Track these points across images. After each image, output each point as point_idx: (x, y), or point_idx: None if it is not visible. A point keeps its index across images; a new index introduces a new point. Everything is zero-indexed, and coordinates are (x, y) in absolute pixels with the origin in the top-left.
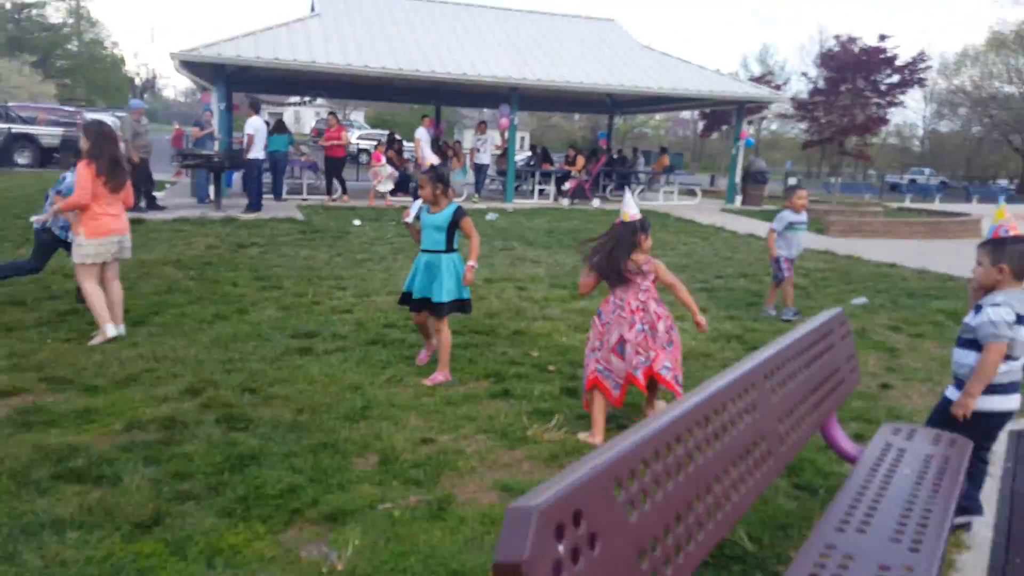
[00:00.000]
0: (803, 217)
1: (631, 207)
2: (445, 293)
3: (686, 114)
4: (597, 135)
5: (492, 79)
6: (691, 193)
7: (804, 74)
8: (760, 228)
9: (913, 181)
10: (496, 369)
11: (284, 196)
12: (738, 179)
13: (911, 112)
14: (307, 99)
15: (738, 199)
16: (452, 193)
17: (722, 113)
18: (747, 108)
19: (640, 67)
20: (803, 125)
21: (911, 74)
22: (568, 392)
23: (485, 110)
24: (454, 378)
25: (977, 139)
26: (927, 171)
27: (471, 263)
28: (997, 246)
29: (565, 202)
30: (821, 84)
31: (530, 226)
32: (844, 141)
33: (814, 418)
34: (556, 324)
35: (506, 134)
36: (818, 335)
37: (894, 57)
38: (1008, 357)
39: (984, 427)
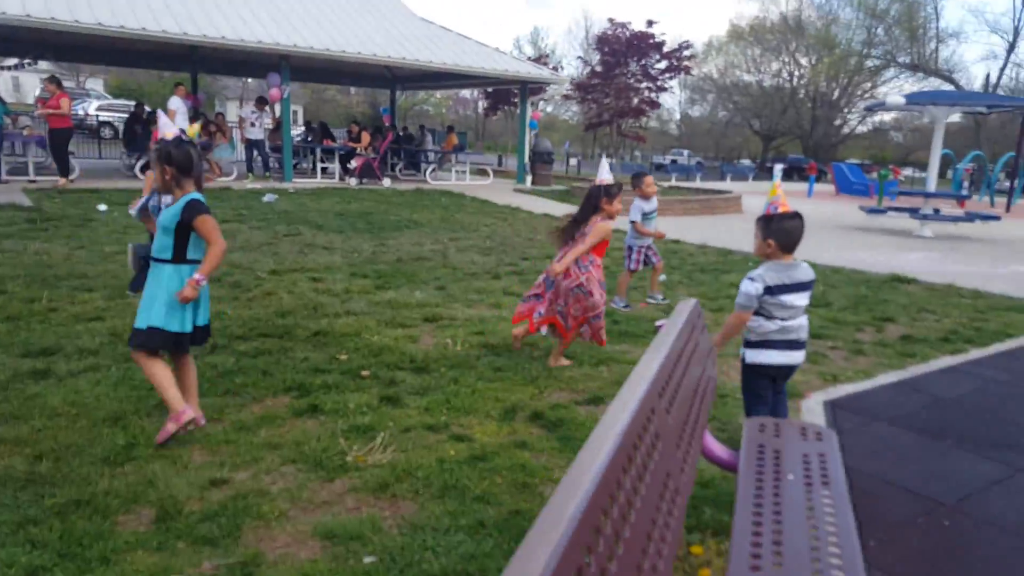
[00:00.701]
0: (654, 204)
1: (604, 172)
2: (143, 318)
3: (466, 93)
4: (380, 111)
5: (258, 45)
6: (483, 173)
7: (581, 57)
8: (555, 208)
9: (674, 162)
10: (298, 380)
11: (3, 177)
12: (526, 159)
13: (668, 97)
14: (27, 62)
15: (528, 179)
16: (218, 171)
17: (505, 92)
18: (529, 89)
19: (421, 41)
20: (581, 107)
21: (678, 61)
22: (389, 401)
23: (250, 80)
24: (247, 395)
25: (723, 123)
26: (685, 152)
27: (197, 276)
28: (767, 222)
29: (352, 181)
30: (598, 67)
31: (317, 208)
32: (622, 123)
33: (699, 431)
34: (363, 320)
35: (278, 107)
36: (687, 334)
37: (662, 43)
38: (770, 317)
39: (751, 376)
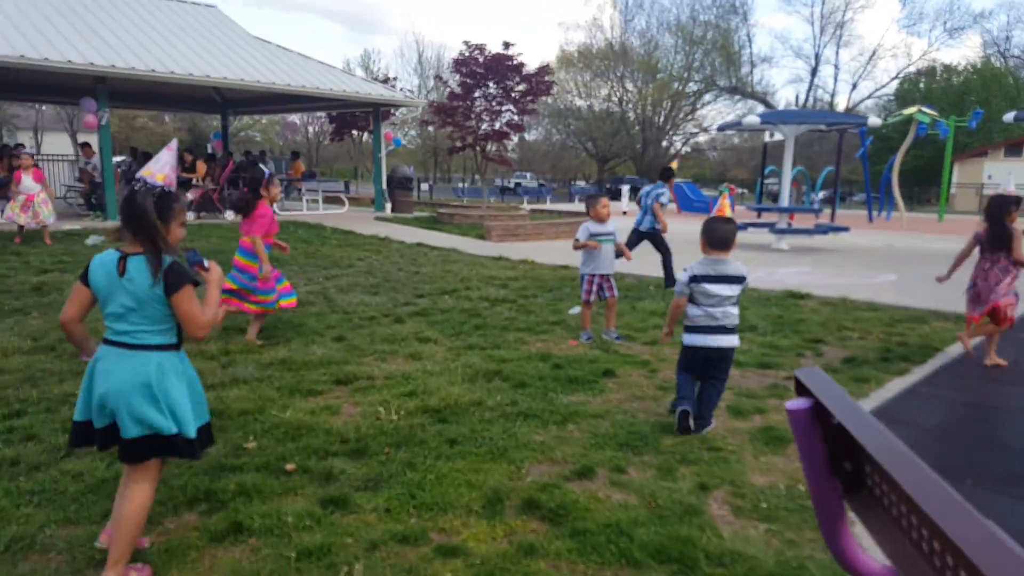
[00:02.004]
0: (609, 228)
1: (1008, 184)
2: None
3: (295, 118)
4: (212, 136)
5: (68, 66)
6: (336, 201)
7: (439, 77)
8: (427, 237)
9: (519, 184)
10: (202, 486)
11: None
12: (384, 186)
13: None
14: None
15: (388, 206)
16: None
17: (350, 116)
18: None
19: (257, 61)
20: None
21: (538, 83)
22: (335, 504)
23: (45, 108)
24: None
25: (559, 146)
26: (528, 175)
27: None
28: (704, 224)
29: (190, 215)
30: (457, 89)
31: None
32: (486, 147)
33: None
34: (261, 390)
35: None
36: None
37: (521, 65)
38: (698, 304)
39: (682, 356)
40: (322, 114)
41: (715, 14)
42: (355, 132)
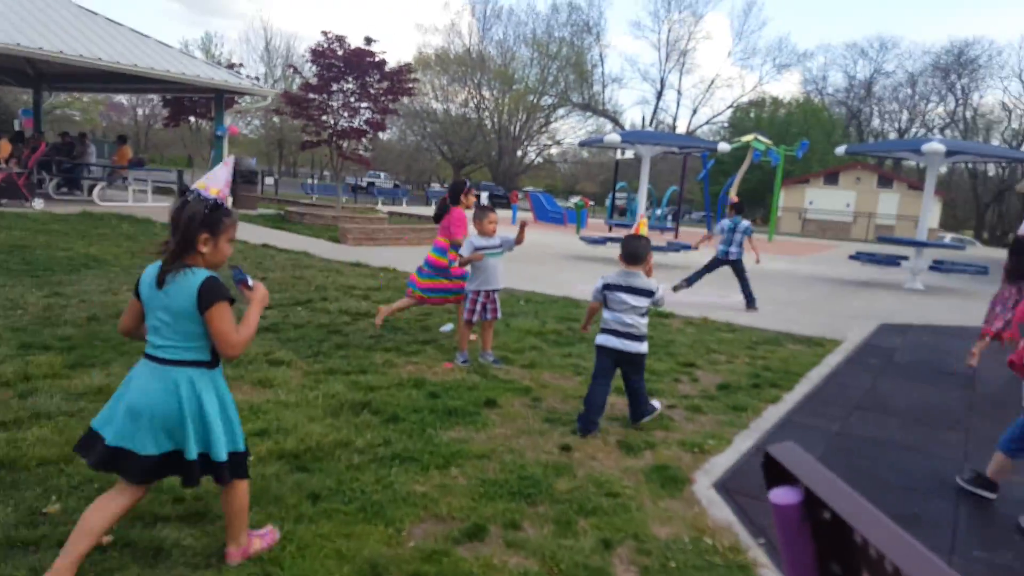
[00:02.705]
0: (495, 241)
1: None
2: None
3: (122, 98)
4: (20, 113)
5: None
6: (168, 192)
7: (292, 67)
8: (274, 237)
9: (372, 184)
10: None
11: None
12: None
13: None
14: None
15: (229, 201)
16: None
17: (190, 101)
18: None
19: (80, 33)
20: (279, 122)
21: (400, 83)
22: None
23: None
24: None
25: (413, 147)
26: (382, 175)
27: None
28: (622, 240)
29: None
30: (313, 81)
31: None
32: (343, 144)
33: None
34: (68, 427)
35: None
36: None
37: (382, 63)
38: (609, 309)
39: (597, 354)
40: (154, 96)
41: (570, 31)
42: (192, 118)
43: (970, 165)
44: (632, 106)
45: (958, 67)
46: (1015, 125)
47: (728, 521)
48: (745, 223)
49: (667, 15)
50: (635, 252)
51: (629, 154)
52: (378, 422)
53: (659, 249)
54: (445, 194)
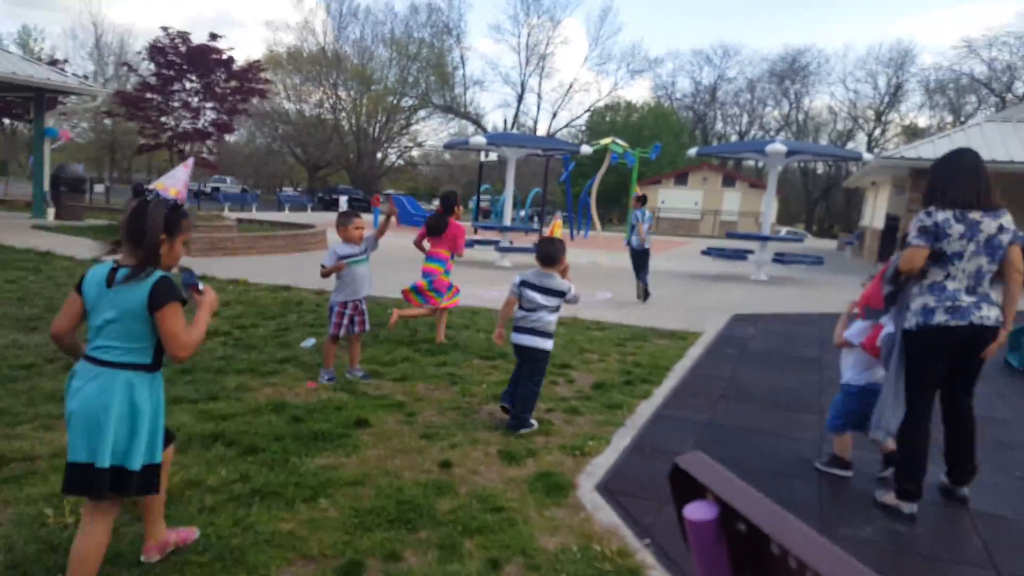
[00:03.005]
0: (359, 249)
1: None
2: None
3: None
4: None
5: None
6: None
7: (127, 64)
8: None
9: (216, 189)
10: None
11: None
12: (47, 187)
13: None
14: None
15: (51, 212)
16: None
17: (4, 102)
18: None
19: None
20: (111, 124)
21: (249, 82)
22: None
23: None
24: None
25: (263, 150)
26: (228, 179)
27: None
28: (537, 242)
29: None
30: (152, 80)
31: None
32: (184, 147)
33: None
34: None
35: None
36: None
37: (230, 60)
38: (520, 307)
39: (516, 353)
40: None
41: (430, 32)
42: (7, 120)
43: (802, 164)
44: (494, 109)
45: (792, 73)
46: (839, 127)
47: (614, 524)
48: (649, 214)
49: (526, 19)
50: (549, 254)
51: (492, 156)
52: (233, 455)
53: (525, 250)
54: (439, 206)
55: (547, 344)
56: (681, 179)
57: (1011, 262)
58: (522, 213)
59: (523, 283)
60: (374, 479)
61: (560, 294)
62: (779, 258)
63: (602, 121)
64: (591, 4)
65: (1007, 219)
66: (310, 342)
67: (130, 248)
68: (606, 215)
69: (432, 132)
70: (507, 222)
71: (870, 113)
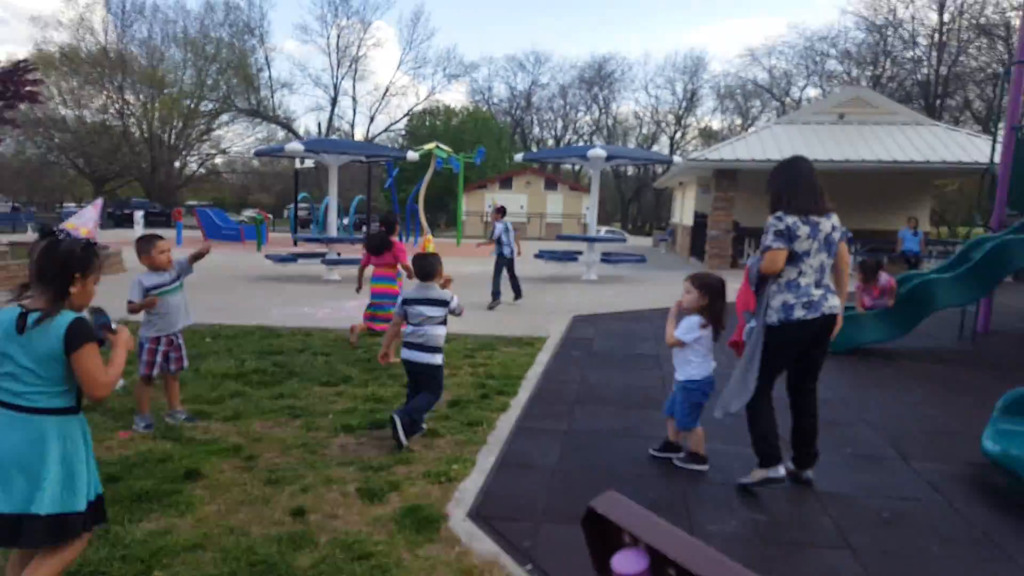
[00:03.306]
0: (169, 277)
1: None
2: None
3: None
4: None
5: None
6: None
7: None
8: None
9: None
10: None
11: None
12: None
13: None
14: None
15: None
16: None
17: None
18: None
19: None
20: None
21: (17, 85)
22: None
23: None
24: None
25: (38, 162)
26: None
27: None
28: (413, 259)
29: None
30: None
31: None
32: None
33: None
34: None
35: None
36: None
37: None
38: (408, 323)
39: (406, 369)
40: None
41: (228, 32)
42: None
43: (619, 168)
44: (307, 113)
45: (599, 80)
46: (645, 130)
47: (493, 554)
48: (509, 223)
49: (335, 20)
50: (426, 270)
51: (309, 163)
52: None
53: (353, 262)
54: (380, 226)
55: (436, 359)
56: (506, 183)
57: (841, 256)
58: (345, 221)
59: (405, 301)
60: (217, 540)
61: (444, 303)
62: (607, 258)
63: (422, 126)
64: (403, 7)
65: (836, 219)
66: (120, 384)
67: (41, 289)
68: (433, 221)
69: (237, 138)
70: (332, 232)
71: (671, 118)
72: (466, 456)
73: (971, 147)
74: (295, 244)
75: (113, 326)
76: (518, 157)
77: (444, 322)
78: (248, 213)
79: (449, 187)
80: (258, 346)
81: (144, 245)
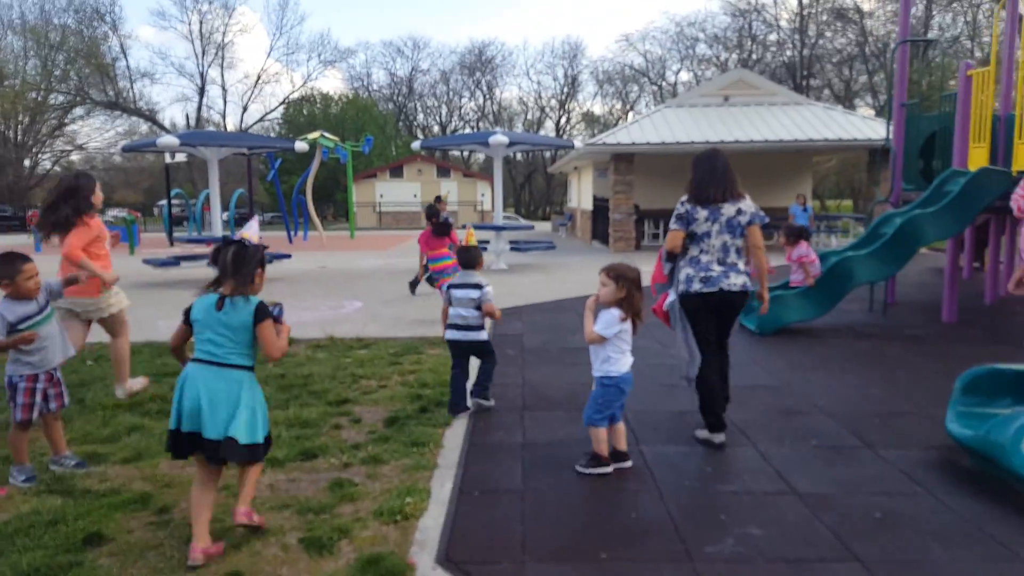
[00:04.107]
0: (37, 306)
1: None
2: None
3: None
4: None
5: None
6: None
7: None
8: None
9: None
10: None
11: None
12: None
13: None
14: None
15: None
16: None
17: None
18: None
19: None
20: None
21: None
22: None
23: None
24: None
25: None
26: None
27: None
28: (458, 251)
29: None
30: None
31: None
32: None
33: None
34: None
35: None
36: None
37: None
38: (453, 307)
39: (450, 349)
40: None
41: (75, 18)
42: None
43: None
44: (172, 103)
45: (481, 66)
46: (530, 116)
47: None
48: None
49: (195, 5)
50: (470, 260)
51: (180, 157)
52: None
53: None
54: (430, 219)
55: (483, 335)
56: (396, 172)
57: (751, 239)
58: (224, 216)
59: (451, 287)
60: None
61: (478, 286)
62: (516, 246)
63: (300, 114)
64: None
65: (746, 204)
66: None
67: (235, 279)
68: (319, 212)
69: (96, 132)
70: (218, 231)
71: (555, 103)
72: (419, 485)
73: (849, 125)
74: (171, 245)
75: (283, 318)
76: (415, 145)
77: (479, 307)
78: (115, 213)
79: (335, 177)
80: (150, 367)
81: (6, 269)
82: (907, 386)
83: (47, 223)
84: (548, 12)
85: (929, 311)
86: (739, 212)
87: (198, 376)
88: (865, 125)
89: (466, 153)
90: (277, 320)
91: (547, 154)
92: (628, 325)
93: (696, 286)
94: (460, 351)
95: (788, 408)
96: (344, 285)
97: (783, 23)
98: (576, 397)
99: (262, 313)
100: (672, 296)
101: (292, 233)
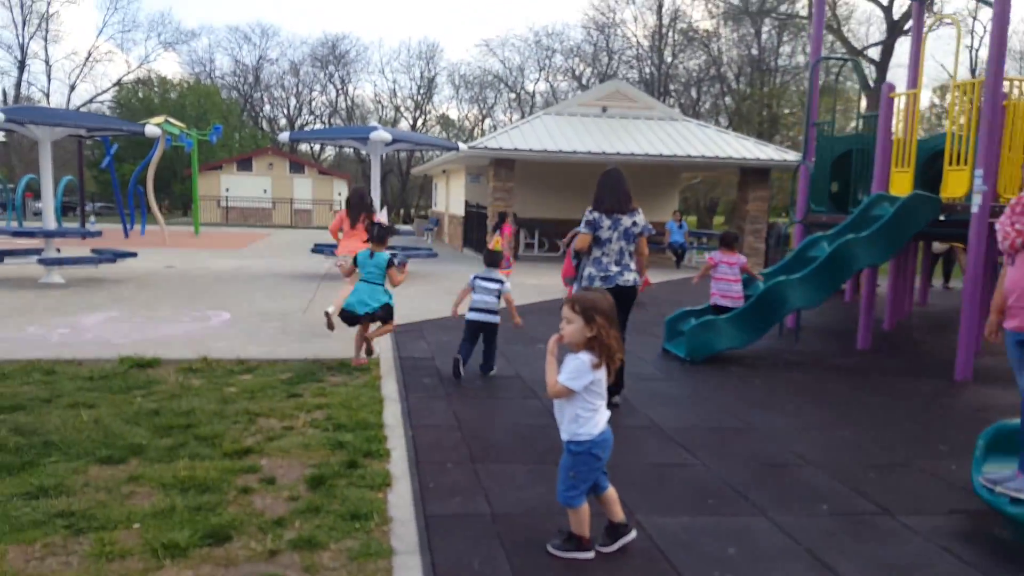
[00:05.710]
0: None
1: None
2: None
3: None
4: None
5: None
6: None
7: None
8: None
9: None
10: None
11: None
12: None
13: None
14: None
15: None
16: None
17: None
18: None
19: None
20: None
21: None
22: None
23: None
24: None
25: None
26: None
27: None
28: (484, 252)
29: None
30: None
31: None
32: None
33: None
34: None
35: None
36: None
37: None
38: (476, 293)
39: (467, 328)
40: None
41: None
42: None
43: (352, 150)
44: None
45: (334, 59)
46: (384, 115)
47: None
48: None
49: None
50: (491, 260)
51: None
52: None
53: (87, 260)
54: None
55: (496, 319)
56: (245, 164)
57: (639, 247)
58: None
59: (476, 277)
60: None
61: (499, 281)
62: (400, 253)
63: (135, 97)
64: None
65: (639, 217)
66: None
67: (376, 242)
68: (158, 201)
69: None
70: (51, 223)
71: (410, 103)
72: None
73: (723, 143)
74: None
75: (404, 266)
76: (283, 137)
77: (499, 296)
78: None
79: (172, 166)
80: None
81: None
82: (872, 429)
83: None
84: (405, 8)
85: (839, 337)
86: (634, 224)
87: (362, 288)
88: (738, 143)
89: (316, 147)
90: (399, 265)
91: (402, 155)
92: (602, 373)
93: (597, 283)
94: (476, 329)
95: (771, 459)
96: (203, 291)
97: (643, 40)
98: (529, 442)
99: (391, 260)
100: (576, 289)
101: (128, 227)
